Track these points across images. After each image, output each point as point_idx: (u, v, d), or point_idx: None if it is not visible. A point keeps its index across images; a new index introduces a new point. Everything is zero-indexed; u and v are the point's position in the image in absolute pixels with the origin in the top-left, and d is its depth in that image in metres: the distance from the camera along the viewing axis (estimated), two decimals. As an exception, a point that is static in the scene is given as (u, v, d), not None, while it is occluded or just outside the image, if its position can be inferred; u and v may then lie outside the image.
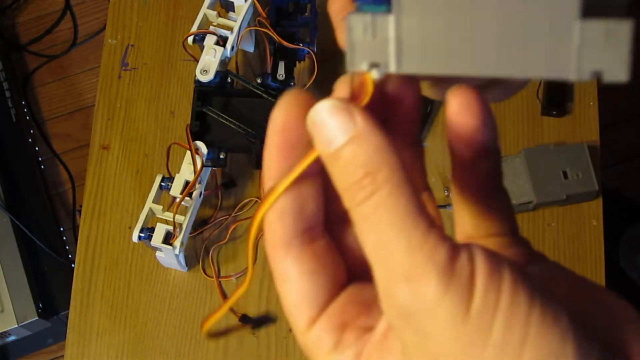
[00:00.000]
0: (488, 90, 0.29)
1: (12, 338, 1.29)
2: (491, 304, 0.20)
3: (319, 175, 0.24)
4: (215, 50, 0.74)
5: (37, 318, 1.24)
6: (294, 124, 0.24)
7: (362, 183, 0.21)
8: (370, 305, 0.25)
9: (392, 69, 0.23)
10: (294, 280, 0.25)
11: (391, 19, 0.22)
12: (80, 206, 0.84)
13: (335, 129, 0.22)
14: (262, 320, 0.78)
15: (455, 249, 0.21)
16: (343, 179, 0.22)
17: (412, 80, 0.26)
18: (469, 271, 0.20)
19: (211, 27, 0.77)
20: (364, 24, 0.23)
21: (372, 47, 0.23)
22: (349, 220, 0.23)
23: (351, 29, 0.23)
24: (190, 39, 0.76)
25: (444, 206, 0.80)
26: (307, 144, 0.23)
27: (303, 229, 0.24)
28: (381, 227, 0.21)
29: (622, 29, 0.19)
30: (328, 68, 0.86)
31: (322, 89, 0.85)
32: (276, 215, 0.24)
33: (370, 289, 0.25)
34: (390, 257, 0.21)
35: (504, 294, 0.20)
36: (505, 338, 0.20)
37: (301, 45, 0.77)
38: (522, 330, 0.20)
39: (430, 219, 0.21)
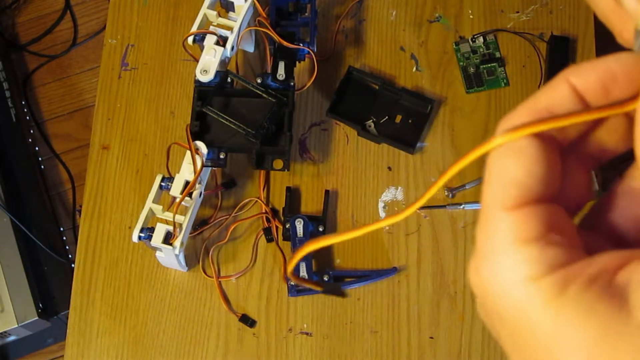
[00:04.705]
0: None
1: (12, 338, 1.29)
2: None
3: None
4: (215, 50, 0.74)
5: (37, 318, 1.24)
6: (627, 73, 0.25)
7: None
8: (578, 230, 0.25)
9: None
10: (530, 157, 0.24)
11: None
12: (80, 206, 0.84)
13: None
14: (262, 320, 0.78)
15: None
16: None
17: None
18: None
19: (211, 27, 0.77)
20: None
21: None
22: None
23: None
24: (190, 39, 0.76)
25: (443, 206, 0.80)
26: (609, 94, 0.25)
27: (555, 134, 0.25)
28: None
29: None
30: (328, 68, 0.86)
31: (322, 88, 0.85)
32: (544, 108, 0.25)
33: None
34: None
35: None
36: None
37: (301, 45, 0.77)
38: None
39: None
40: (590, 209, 0.28)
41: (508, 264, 0.23)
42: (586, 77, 0.25)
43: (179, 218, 0.71)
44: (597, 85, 0.25)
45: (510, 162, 0.24)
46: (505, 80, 0.85)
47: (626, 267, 0.22)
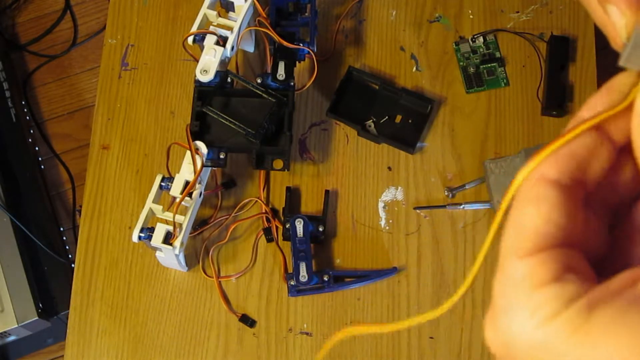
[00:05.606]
0: None
1: (12, 338, 1.29)
2: None
3: (620, 162, 0.26)
4: (215, 50, 0.74)
5: (37, 318, 1.24)
6: None
7: None
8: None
9: None
10: (550, 206, 0.25)
11: None
12: (80, 206, 0.84)
13: None
14: (262, 320, 0.78)
15: None
16: None
17: None
18: None
19: (211, 27, 0.77)
20: None
21: None
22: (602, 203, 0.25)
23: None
24: (190, 39, 0.76)
25: (443, 206, 0.80)
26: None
27: (577, 178, 0.25)
28: None
29: None
30: (328, 68, 0.86)
31: (322, 88, 0.85)
32: (566, 152, 0.25)
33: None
34: None
35: None
36: None
37: (301, 45, 0.77)
38: None
39: None
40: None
41: (527, 312, 0.23)
42: (596, 106, 0.26)
43: (179, 218, 0.71)
44: (605, 98, 0.26)
45: (530, 210, 0.25)
46: (505, 80, 0.85)
47: None
